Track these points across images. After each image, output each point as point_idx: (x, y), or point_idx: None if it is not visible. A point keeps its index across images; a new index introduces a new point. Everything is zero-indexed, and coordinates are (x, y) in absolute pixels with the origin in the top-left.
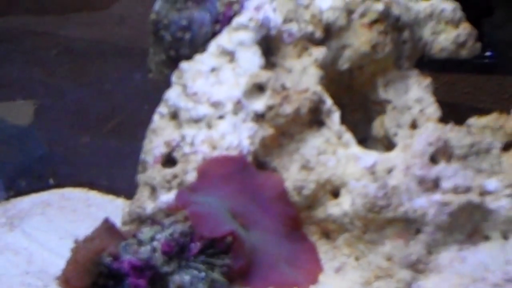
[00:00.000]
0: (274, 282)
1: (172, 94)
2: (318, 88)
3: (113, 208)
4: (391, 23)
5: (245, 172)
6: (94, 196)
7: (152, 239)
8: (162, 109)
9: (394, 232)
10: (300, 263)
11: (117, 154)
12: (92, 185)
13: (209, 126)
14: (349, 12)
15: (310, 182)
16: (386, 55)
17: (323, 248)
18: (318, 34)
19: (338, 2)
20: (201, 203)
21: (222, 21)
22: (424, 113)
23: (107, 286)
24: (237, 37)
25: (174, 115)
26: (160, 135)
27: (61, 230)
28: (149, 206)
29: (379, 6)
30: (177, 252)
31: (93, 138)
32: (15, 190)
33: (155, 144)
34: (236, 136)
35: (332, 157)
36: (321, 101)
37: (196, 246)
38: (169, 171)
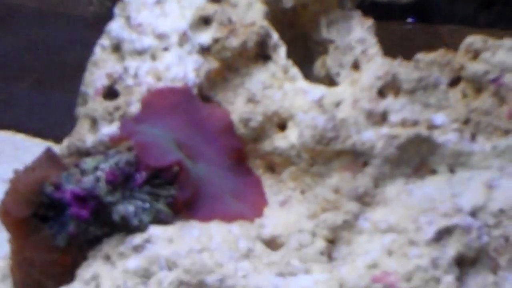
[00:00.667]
0: (219, 214)
1: (115, 26)
2: (265, 23)
3: (41, 151)
4: None
5: (190, 104)
6: (21, 139)
7: (96, 169)
8: (104, 41)
9: (341, 165)
10: (245, 196)
11: (45, 100)
12: (18, 128)
13: (154, 58)
14: None
15: (257, 114)
16: None
17: (268, 182)
18: None
19: None
20: (147, 133)
21: None
22: (367, 53)
23: (48, 216)
24: None
25: (117, 47)
26: (102, 67)
27: None
28: (89, 139)
29: None
30: (122, 182)
31: (20, 87)
32: None
33: (96, 76)
34: (182, 68)
35: (278, 92)
36: (267, 35)
37: (141, 176)
38: (111, 103)
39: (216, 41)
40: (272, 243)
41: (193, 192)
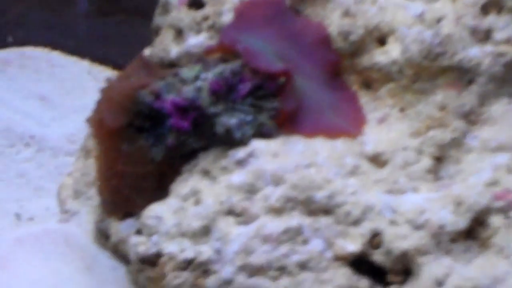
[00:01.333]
0: (322, 128)
1: None
2: None
3: (79, 70)
4: None
5: (284, 16)
6: (58, 56)
7: (197, 78)
8: None
9: (446, 81)
10: (344, 111)
11: (81, 16)
12: (54, 46)
13: None
14: None
15: (358, 27)
16: None
17: (363, 99)
18: None
19: None
20: (250, 42)
21: None
22: None
23: (144, 127)
24: None
25: None
26: None
27: (24, 90)
28: (174, 50)
29: None
30: (225, 92)
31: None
32: None
33: None
34: None
35: (372, 6)
36: None
37: (245, 87)
38: (198, 13)
39: None
40: (376, 161)
41: (297, 105)
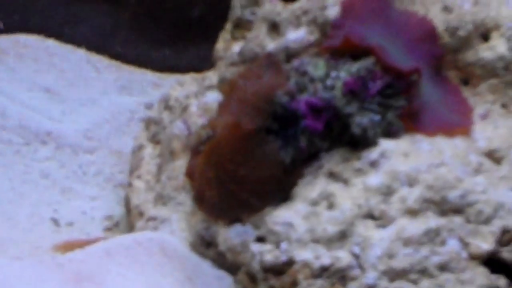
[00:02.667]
0: (441, 125)
1: None
2: None
3: (77, 59)
4: None
5: (389, 10)
6: (54, 44)
7: (327, 76)
8: None
9: None
10: (453, 105)
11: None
12: (47, 33)
13: None
14: None
15: (467, 22)
16: None
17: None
18: None
19: None
20: (375, 38)
21: None
22: None
23: (272, 129)
24: None
25: None
26: None
27: (27, 81)
28: (270, 45)
29: None
30: (360, 91)
31: None
32: None
33: None
34: None
35: (468, 1)
36: None
37: (375, 86)
38: (297, 6)
39: None
40: (491, 157)
41: (420, 103)
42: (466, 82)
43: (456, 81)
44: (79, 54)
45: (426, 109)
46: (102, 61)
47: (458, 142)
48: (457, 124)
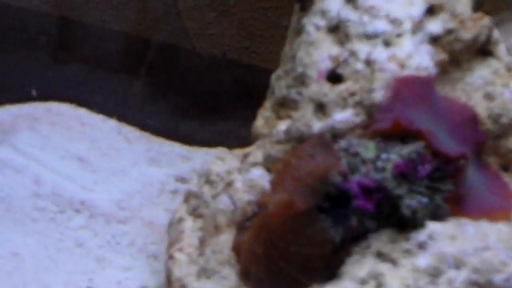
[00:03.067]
0: (484, 209)
1: (334, 6)
2: (487, 17)
3: (108, 129)
4: None
5: (433, 96)
6: (85, 113)
7: (378, 158)
8: (319, 21)
9: None
10: (496, 189)
11: (103, 74)
12: (80, 102)
13: (388, 43)
14: None
15: (510, 110)
16: None
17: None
18: None
19: None
20: (423, 122)
21: None
22: None
23: (322, 208)
24: None
25: (335, 29)
26: (319, 48)
27: (60, 149)
28: (317, 125)
29: None
30: (410, 174)
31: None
32: None
33: (318, 58)
34: (420, 57)
35: (505, 89)
36: (492, 30)
37: (425, 169)
38: (343, 87)
39: (449, 32)
40: None
41: (465, 188)
42: (506, 168)
43: (496, 167)
44: (110, 124)
45: (470, 193)
46: (133, 132)
47: (502, 227)
48: (499, 208)
